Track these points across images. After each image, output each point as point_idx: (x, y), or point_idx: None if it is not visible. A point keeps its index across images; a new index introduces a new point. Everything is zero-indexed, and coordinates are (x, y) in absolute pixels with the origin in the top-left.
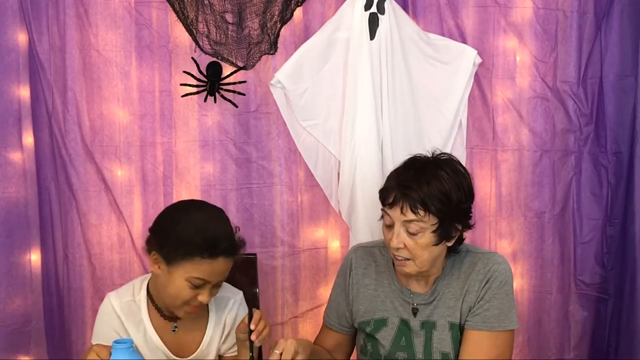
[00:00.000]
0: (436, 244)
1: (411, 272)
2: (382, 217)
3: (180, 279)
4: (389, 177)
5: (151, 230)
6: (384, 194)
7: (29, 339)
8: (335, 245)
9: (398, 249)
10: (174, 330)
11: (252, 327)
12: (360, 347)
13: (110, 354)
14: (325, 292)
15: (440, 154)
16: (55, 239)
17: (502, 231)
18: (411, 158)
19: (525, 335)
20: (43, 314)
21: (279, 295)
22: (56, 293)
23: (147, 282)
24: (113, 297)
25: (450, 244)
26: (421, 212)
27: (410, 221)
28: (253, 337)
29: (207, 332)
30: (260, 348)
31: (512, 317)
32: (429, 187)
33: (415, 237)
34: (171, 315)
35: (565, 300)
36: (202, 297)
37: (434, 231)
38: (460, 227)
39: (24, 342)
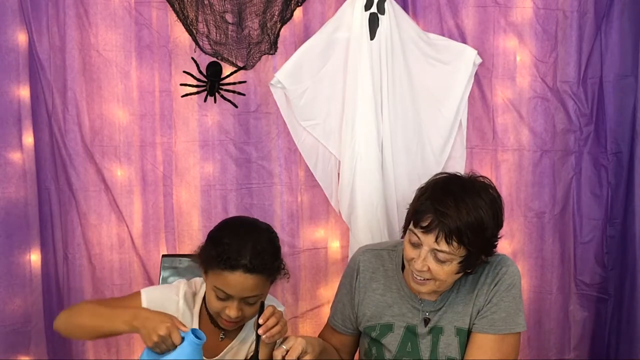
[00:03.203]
0: (458, 273)
1: (427, 292)
2: (407, 232)
3: (209, 289)
4: (421, 198)
5: None
6: (417, 216)
7: (29, 339)
8: (335, 245)
9: (421, 271)
10: (222, 338)
11: (261, 321)
12: (364, 351)
13: (181, 338)
14: (325, 292)
15: (477, 176)
16: (55, 239)
17: (502, 231)
18: (447, 178)
19: (526, 335)
20: (43, 314)
21: (279, 295)
22: (56, 293)
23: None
24: (183, 284)
25: (470, 270)
26: (455, 244)
27: (441, 247)
28: (260, 331)
29: (240, 334)
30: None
31: (519, 319)
32: (468, 217)
33: (443, 264)
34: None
35: (565, 301)
36: (229, 311)
37: (460, 262)
38: (484, 258)
39: (24, 342)
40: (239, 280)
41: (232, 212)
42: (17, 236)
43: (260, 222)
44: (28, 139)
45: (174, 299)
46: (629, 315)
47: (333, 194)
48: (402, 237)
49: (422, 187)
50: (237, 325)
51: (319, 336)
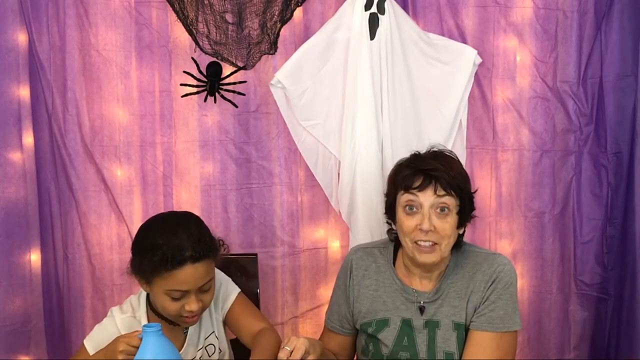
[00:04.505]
0: (458, 227)
1: (435, 261)
2: (398, 205)
3: (161, 295)
4: (401, 166)
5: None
6: (406, 180)
7: (29, 339)
8: (335, 245)
9: (428, 232)
10: (185, 332)
11: None
12: (361, 348)
13: (139, 340)
14: (325, 292)
15: (435, 146)
16: (55, 239)
17: (502, 231)
18: (411, 156)
19: (526, 335)
20: (43, 314)
21: (279, 295)
22: (56, 293)
23: (145, 297)
24: (116, 311)
25: (461, 231)
26: (452, 192)
27: (442, 196)
28: None
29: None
30: None
31: (516, 318)
32: (452, 170)
33: (446, 217)
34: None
35: (565, 300)
36: (190, 306)
37: (457, 212)
38: (472, 214)
39: (24, 342)
40: (189, 273)
41: (232, 212)
42: (17, 236)
43: (177, 212)
44: (28, 139)
45: (113, 332)
46: (629, 315)
47: (333, 194)
48: (388, 223)
49: (391, 171)
50: (199, 316)
51: None
